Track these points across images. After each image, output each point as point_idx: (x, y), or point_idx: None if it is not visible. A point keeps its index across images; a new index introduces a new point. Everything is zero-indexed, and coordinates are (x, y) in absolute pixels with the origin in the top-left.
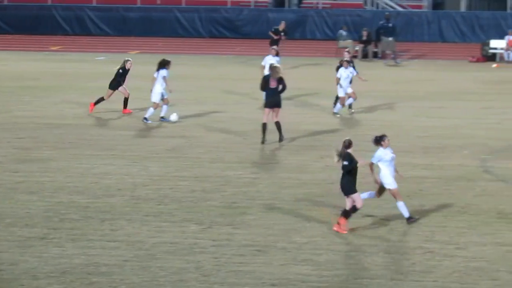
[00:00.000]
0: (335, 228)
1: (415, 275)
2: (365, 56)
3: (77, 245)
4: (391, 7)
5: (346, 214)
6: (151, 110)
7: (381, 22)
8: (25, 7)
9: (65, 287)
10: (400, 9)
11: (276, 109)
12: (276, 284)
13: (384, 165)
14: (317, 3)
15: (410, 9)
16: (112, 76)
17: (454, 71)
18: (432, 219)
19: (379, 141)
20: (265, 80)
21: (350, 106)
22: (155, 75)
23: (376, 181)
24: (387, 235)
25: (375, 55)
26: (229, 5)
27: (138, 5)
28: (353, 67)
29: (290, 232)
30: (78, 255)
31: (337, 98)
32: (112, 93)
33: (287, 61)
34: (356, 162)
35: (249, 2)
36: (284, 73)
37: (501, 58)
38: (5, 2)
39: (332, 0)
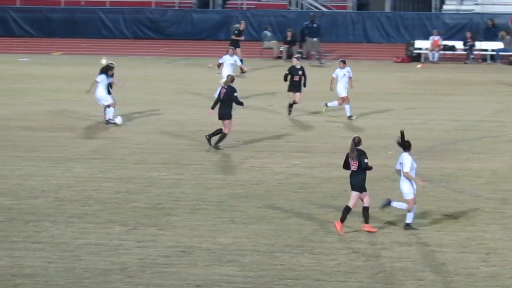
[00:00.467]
0: (365, 229)
1: (340, 276)
2: (289, 56)
3: (1, 247)
4: (316, 7)
5: (365, 216)
6: (112, 110)
7: (306, 23)
8: None
9: None
10: (324, 9)
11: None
12: (201, 285)
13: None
14: (242, 4)
15: (335, 10)
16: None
17: (379, 72)
18: (357, 219)
19: (409, 147)
20: (218, 96)
21: (326, 104)
22: (98, 79)
23: (423, 184)
24: (312, 235)
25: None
26: (153, 6)
27: (62, 6)
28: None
29: (215, 233)
30: (2, 257)
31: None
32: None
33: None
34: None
35: (173, 3)
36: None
37: (426, 59)
38: None
39: (257, 0)
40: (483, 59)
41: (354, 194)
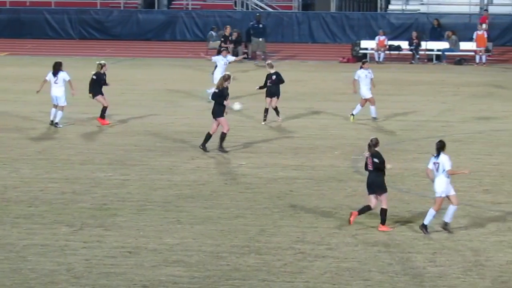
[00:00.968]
0: (383, 229)
1: (287, 276)
2: (235, 56)
3: None
4: (261, 8)
5: (383, 216)
6: (61, 113)
7: (252, 23)
8: None
9: None
10: (270, 10)
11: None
12: (148, 285)
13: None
14: (187, 4)
15: (280, 10)
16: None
17: (325, 72)
18: (303, 220)
19: (444, 147)
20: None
21: (352, 114)
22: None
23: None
24: (258, 236)
25: (246, 56)
26: (98, 7)
27: (7, 6)
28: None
29: (161, 233)
30: None
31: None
32: (103, 97)
33: (159, 62)
34: (384, 161)
35: (119, 3)
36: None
37: (372, 59)
38: None
39: (202, 1)
40: (429, 59)
41: (371, 196)
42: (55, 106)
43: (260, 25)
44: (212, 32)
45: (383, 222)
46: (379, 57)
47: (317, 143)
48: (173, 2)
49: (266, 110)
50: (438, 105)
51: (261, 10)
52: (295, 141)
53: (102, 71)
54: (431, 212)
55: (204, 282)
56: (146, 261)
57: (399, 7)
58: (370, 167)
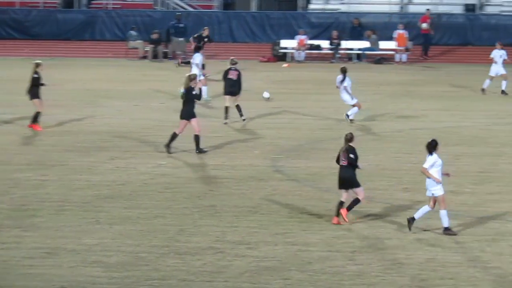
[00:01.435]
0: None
1: (206, 276)
2: (155, 56)
3: None
4: (182, 7)
5: (349, 206)
6: None
7: (172, 23)
8: None
9: None
10: (190, 9)
11: (191, 120)
12: (66, 286)
13: (435, 170)
14: (107, 4)
15: (201, 9)
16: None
17: (245, 71)
18: (223, 219)
19: (435, 146)
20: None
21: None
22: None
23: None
24: (178, 236)
25: (165, 56)
26: (17, 6)
27: None
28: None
29: (80, 234)
30: None
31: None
32: (40, 101)
33: (78, 62)
34: (358, 157)
35: (38, 3)
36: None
37: (292, 58)
38: None
39: (122, 0)
40: (349, 58)
41: (341, 190)
42: None
43: (181, 25)
44: (132, 32)
45: (349, 208)
46: (299, 56)
47: (237, 142)
48: (93, 2)
49: (227, 109)
50: None
51: (182, 10)
52: (215, 140)
53: (39, 70)
54: (443, 213)
55: (123, 282)
56: (64, 262)
57: (319, 6)
58: (343, 162)
